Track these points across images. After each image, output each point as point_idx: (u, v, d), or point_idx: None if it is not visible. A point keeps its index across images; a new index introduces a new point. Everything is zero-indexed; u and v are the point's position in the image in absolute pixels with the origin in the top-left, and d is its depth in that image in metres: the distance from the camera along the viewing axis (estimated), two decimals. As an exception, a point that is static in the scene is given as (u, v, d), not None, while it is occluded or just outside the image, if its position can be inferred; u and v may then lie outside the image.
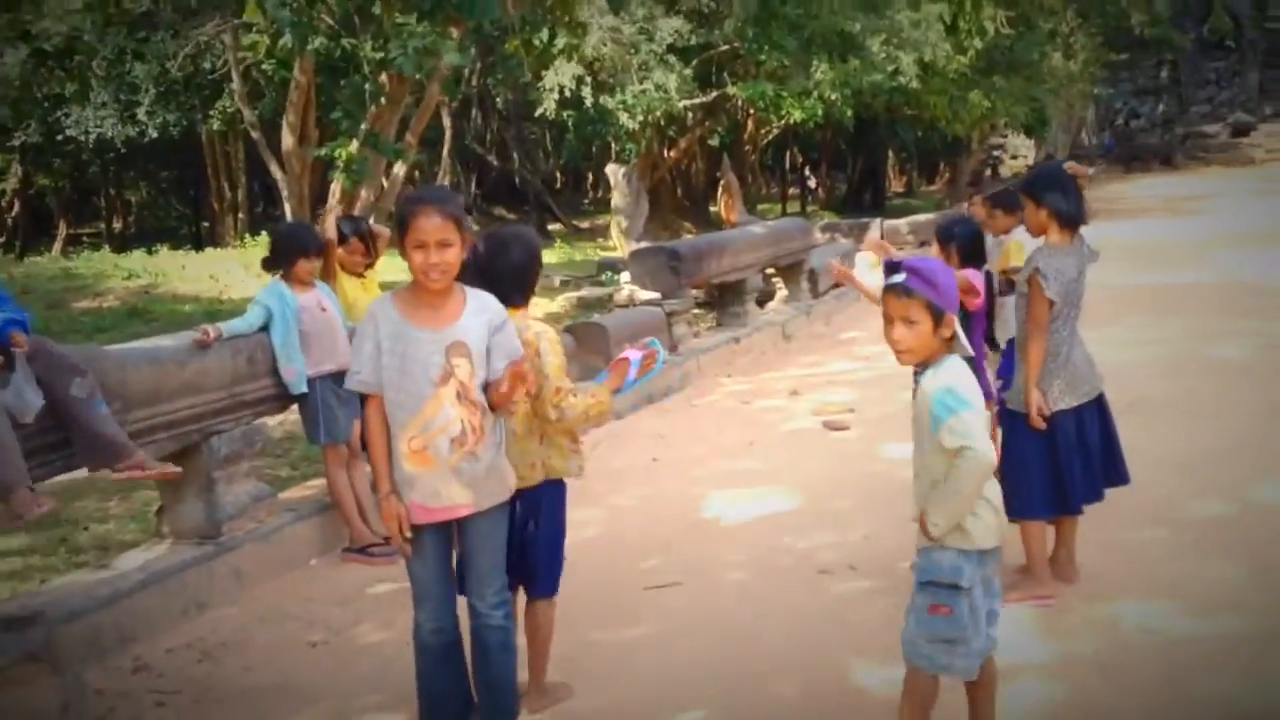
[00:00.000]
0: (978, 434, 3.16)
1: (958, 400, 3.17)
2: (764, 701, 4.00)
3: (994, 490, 3.28)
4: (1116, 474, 4.92)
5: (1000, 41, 23.79)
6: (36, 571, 5.89)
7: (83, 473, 7.40)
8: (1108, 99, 52.49)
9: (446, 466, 3.45)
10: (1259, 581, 4.77)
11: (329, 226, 6.18)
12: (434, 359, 3.41)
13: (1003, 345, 5.83)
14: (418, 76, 8.76)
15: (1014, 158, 43.69)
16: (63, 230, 28.40)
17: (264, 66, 13.98)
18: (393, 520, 3.47)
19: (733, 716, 3.90)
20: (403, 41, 7.71)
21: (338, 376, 5.57)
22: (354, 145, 9.51)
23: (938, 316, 3.24)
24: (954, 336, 3.26)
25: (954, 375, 3.24)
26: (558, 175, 38.41)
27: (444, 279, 3.41)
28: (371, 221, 6.59)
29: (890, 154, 37.81)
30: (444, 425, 3.42)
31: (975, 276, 5.15)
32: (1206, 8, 45.36)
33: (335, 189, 12.99)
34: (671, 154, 24.96)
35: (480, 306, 3.50)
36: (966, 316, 5.15)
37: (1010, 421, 4.81)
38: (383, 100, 10.94)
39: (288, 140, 13.58)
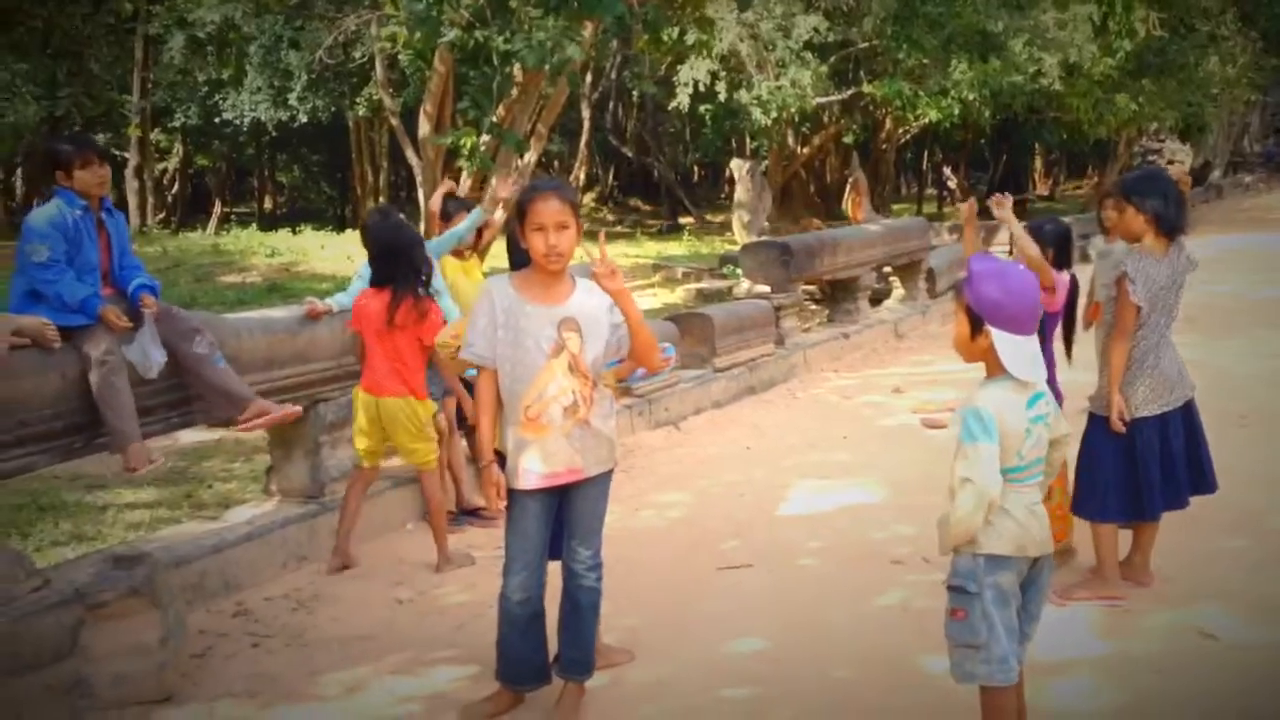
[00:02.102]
0: (986, 469, 3.17)
1: (982, 429, 3.18)
2: (819, 682, 4.10)
3: (1015, 501, 3.26)
4: (1203, 482, 4.88)
5: (1152, 43, 23.10)
6: (161, 523, 6.34)
7: (214, 434, 7.90)
8: (1273, 105, 50.34)
9: (560, 433, 3.66)
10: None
11: (435, 202, 6.48)
12: (546, 332, 3.64)
13: None
14: (544, 69, 9.01)
15: (1170, 162, 42.25)
16: (218, 208, 29.70)
17: (400, 57, 14.47)
18: (492, 487, 3.69)
19: (786, 694, 4.02)
20: (526, 35, 7.97)
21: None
22: (481, 135, 9.84)
23: (975, 323, 3.27)
24: (994, 354, 3.24)
25: (991, 399, 3.24)
26: (695, 169, 38.62)
27: (561, 261, 3.63)
28: (491, 208, 6.85)
29: (1037, 155, 37.03)
30: (556, 394, 3.64)
31: (1059, 280, 5.12)
32: (1383, 11, 43.09)
33: (470, 176, 13.43)
34: (805, 150, 24.92)
35: (589, 289, 3.72)
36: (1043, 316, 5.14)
37: (1090, 424, 4.81)
38: (513, 92, 11.26)
39: (424, 128, 14.04)
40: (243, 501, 6.41)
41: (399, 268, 5.18)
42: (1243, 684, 3.98)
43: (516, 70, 10.80)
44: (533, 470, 3.68)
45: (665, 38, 10.03)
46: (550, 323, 3.65)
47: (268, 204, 35.95)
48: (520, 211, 3.65)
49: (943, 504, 5.90)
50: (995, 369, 3.28)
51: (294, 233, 21.38)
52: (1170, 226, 4.64)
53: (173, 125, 25.49)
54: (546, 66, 8.86)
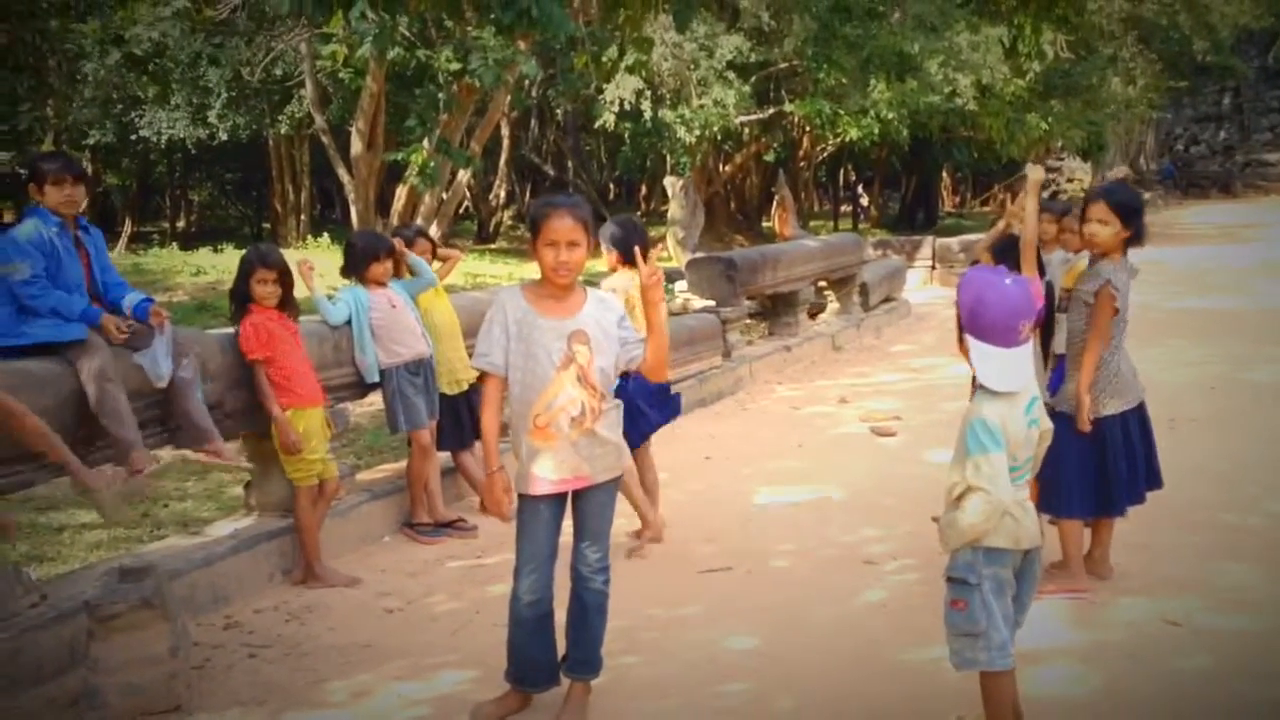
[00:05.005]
0: (1000, 480, 3.33)
1: (991, 439, 3.34)
2: (814, 674, 4.26)
3: (1013, 498, 3.41)
4: (1153, 478, 5.17)
5: (1059, 65, 23.91)
6: (120, 543, 6.30)
7: (163, 452, 7.89)
8: (1168, 125, 52.27)
9: (567, 442, 3.78)
10: (1274, 584, 5.04)
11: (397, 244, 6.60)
12: (556, 345, 3.76)
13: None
14: (491, 86, 9.14)
15: (1069, 180, 43.62)
16: (128, 227, 29.10)
17: (340, 75, 14.45)
18: (500, 492, 3.81)
19: (784, 687, 4.17)
20: (483, 54, 8.07)
21: (412, 367, 6.00)
22: (426, 151, 9.90)
23: (961, 332, 3.48)
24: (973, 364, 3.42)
25: (995, 410, 3.39)
26: (611, 186, 38.88)
27: (570, 276, 3.76)
28: (435, 233, 7.06)
29: (944, 173, 37.92)
30: (565, 405, 3.76)
31: (1037, 285, 5.29)
32: (1270, 35, 45.06)
33: (401, 194, 13.47)
34: (726, 168, 25.30)
35: (600, 302, 3.87)
36: None
37: (1060, 423, 5.00)
38: (453, 109, 11.35)
39: (356, 146, 14.07)
40: (200, 519, 6.42)
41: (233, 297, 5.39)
42: (1211, 668, 4.23)
43: (454, 87, 10.91)
44: (543, 477, 3.80)
45: (606, 59, 10.21)
46: (560, 336, 3.77)
47: (179, 223, 35.28)
48: (533, 226, 3.78)
49: (906, 506, 6.19)
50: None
51: (216, 251, 21.05)
52: (1140, 240, 4.91)
53: (85, 143, 24.98)
54: (496, 84, 9.00)
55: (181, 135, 22.30)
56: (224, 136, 22.54)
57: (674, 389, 8.61)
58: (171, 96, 19.51)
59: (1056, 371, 5.27)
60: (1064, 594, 4.91)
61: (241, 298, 5.31)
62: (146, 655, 3.95)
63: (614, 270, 5.69)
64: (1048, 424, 3.70)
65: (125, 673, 3.92)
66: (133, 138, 23.48)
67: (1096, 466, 4.91)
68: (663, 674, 4.30)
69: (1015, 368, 3.43)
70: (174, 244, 25.14)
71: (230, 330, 5.45)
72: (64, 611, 4.29)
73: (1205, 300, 15.00)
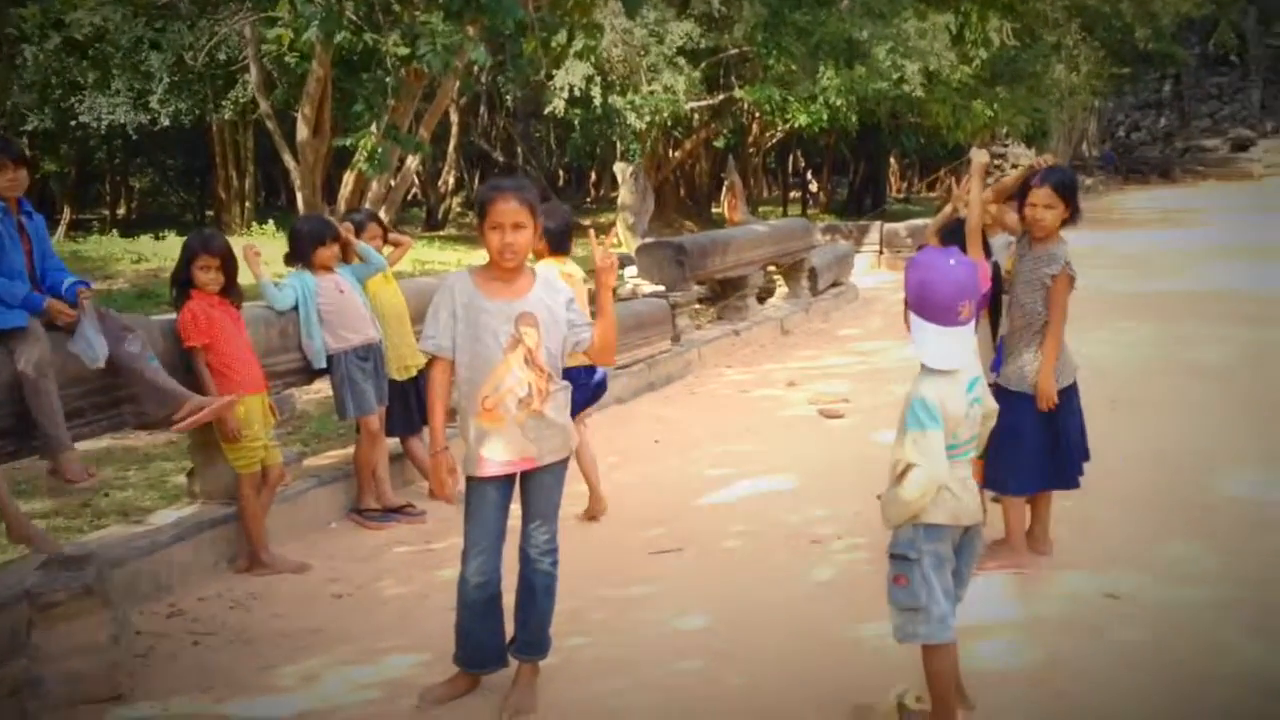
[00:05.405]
0: (937, 456, 3.41)
1: (929, 417, 3.41)
2: (764, 651, 4.30)
3: (951, 476, 3.47)
4: (1086, 450, 5.28)
5: (1004, 52, 24.12)
6: (61, 533, 6.20)
7: (103, 441, 7.77)
8: (1109, 111, 52.91)
9: (514, 423, 3.78)
10: (1216, 558, 5.15)
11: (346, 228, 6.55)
12: (504, 328, 3.76)
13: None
14: (439, 72, 9.06)
15: (1014, 166, 43.85)
16: (67, 214, 28.58)
17: (286, 59, 14.27)
18: (444, 473, 3.81)
19: (735, 663, 4.20)
20: (431, 39, 8.01)
21: (361, 352, 5.96)
22: (374, 136, 9.82)
23: (907, 312, 3.56)
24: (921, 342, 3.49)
25: (934, 389, 3.45)
26: (561, 173, 38.76)
27: (516, 258, 3.76)
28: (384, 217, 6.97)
29: (892, 159, 38.15)
30: (512, 386, 3.77)
31: (984, 268, 5.33)
32: (1211, 23, 45.73)
33: (349, 180, 13.35)
34: (676, 154, 25.30)
35: (547, 284, 3.87)
36: None
37: (1009, 402, 4.80)
38: (401, 95, 11.26)
39: (302, 132, 13.91)
40: (142, 509, 6.33)
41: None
42: (1150, 640, 4.32)
43: (402, 73, 10.83)
44: (491, 459, 3.80)
45: (555, 44, 10.16)
46: (508, 318, 3.77)
47: (119, 210, 34.68)
48: (480, 209, 3.77)
49: (854, 487, 6.24)
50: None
51: (158, 238, 20.74)
52: (1076, 218, 5.02)
53: (23, 129, 24.49)
54: (445, 70, 8.93)
55: (122, 121, 21.85)
56: (166, 122, 22.12)
57: (623, 373, 8.71)
58: (112, 82, 19.13)
59: (998, 351, 5.33)
60: (1005, 569, 4.99)
61: (183, 284, 5.25)
62: (88, 643, 3.91)
63: (540, 259, 5.65)
64: (992, 404, 3.75)
65: (67, 661, 3.88)
66: (72, 123, 22.99)
67: (1051, 441, 5.01)
68: (612, 654, 4.32)
69: (955, 346, 3.49)
70: (114, 231, 24.69)
71: (172, 316, 5.39)
72: (4, 600, 4.23)
73: (1149, 283, 15.17)
